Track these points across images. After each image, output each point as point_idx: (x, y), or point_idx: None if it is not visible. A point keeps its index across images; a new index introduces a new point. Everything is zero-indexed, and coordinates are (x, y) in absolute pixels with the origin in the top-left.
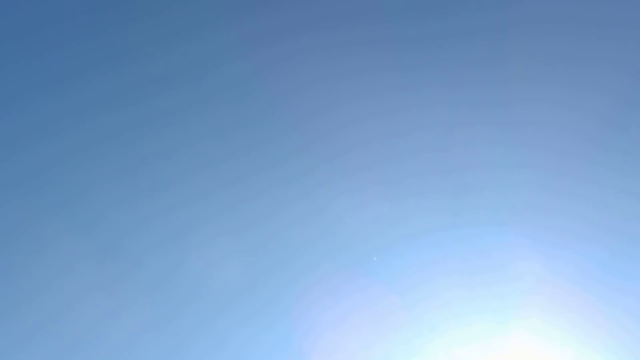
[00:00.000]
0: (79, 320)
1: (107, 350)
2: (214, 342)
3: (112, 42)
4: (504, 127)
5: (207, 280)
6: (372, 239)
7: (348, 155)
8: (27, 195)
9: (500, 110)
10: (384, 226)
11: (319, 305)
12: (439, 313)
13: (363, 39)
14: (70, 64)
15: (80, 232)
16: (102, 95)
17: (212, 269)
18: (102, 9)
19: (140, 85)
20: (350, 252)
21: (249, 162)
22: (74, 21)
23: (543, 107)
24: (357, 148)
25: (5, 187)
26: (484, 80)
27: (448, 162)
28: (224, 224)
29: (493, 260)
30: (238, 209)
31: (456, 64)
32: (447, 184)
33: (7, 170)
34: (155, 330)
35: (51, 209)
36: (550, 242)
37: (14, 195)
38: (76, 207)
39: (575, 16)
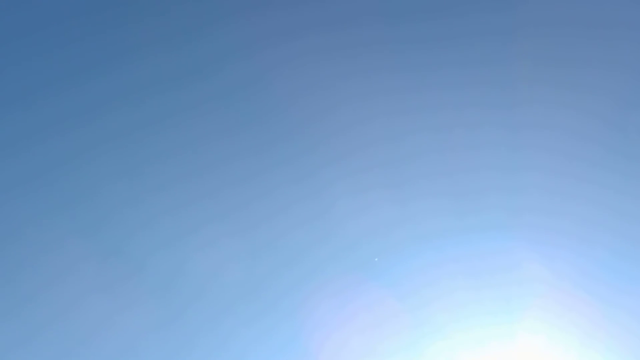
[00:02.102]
0: (83, 321)
1: (110, 351)
2: (218, 343)
3: (115, 42)
4: (509, 130)
5: (211, 281)
6: (376, 241)
7: (353, 157)
8: (31, 196)
9: (505, 112)
10: (388, 228)
11: (323, 308)
12: (444, 316)
13: (369, 41)
14: (74, 63)
15: (84, 233)
16: (106, 96)
17: (216, 271)
18: (106, 8)
19: (145, 86)
20: (355, 254)
21: (253, 163)
22: (78, 21)
23: (548, 109)
24: (362, 150)
25: (9, 187)
26: (488, 82)
27: (453, 164)
28: (227, 226)
29: (498, 263)
30: (242, 211)
31: (461, 66)
32: (451, 186)
33: (10, 170)
34: (159, 331)
35: (55, 209)
36: (555, 244)
37: (17, 196)
38: (80, 208)
39: (581, 18)
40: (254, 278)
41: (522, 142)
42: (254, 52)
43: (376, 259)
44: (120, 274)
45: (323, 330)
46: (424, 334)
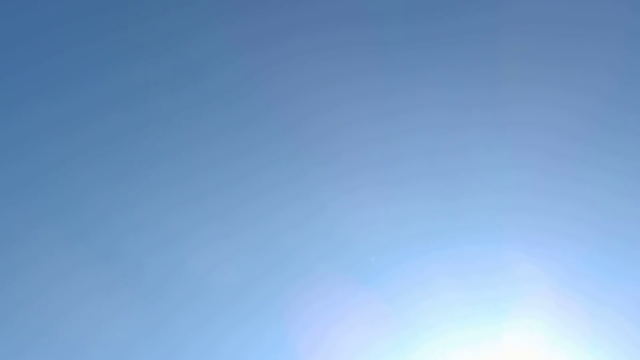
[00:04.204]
0: (77, 324)
1: (105, 353)
2: (210, 344)
3: (105, 46)
4: (499, 129)
5: (202, 283)
6: (368, 241)
7: (344, 157)
8: (24, 201)
9: (494, 111)
10: (379, 229)
11: (314, 308)
12: (435, 315)
13: (357, 42)
14: (64, 68)
15: (78, 237)
16: (97, 99)
17: (207, 272)
18: (95, 12)
19: (136, 89)
20: (347, 254)
21: (245, 164)
22: (66, 26)
23: (538, 108)
24: (353, 150)
25: (2, 192)
26: (477, 82)
27: (444, 163)
28: (218, 227)
29: (489, 262)
30: (233, 212)
31: (451, 65)
32: (441, 187)
33: (4, 175)
34: (152, 333)
35: (48, 213)
36: (545, 244)
37: (10, 201)
38: (73, 211)
39: (568, 17)
40: (246, 279)
41: (511, 141)
42: (243, 54)
43: (373, 259)
44: (112, 277)
45: (314, 331)
46: (414, 334)
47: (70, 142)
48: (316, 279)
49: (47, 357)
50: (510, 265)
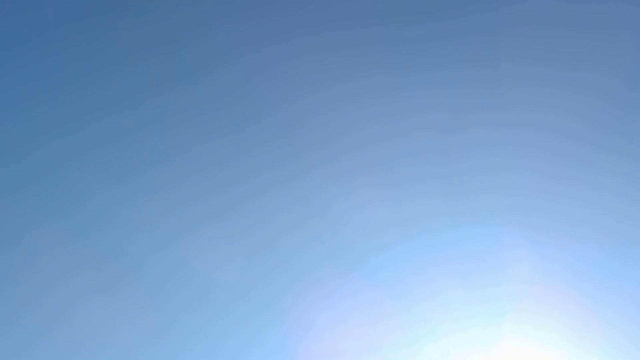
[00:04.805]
0: (79, 324)
1: (106, 354)
2: (213, 344)
3: (105, 48)
4: (500, 129)
5: (205, 283)
6: (369, 241)
7: (345, 158)
8: (25, 200)
9: (496, 112)
10: (381, 229)
11: (317, 307)
12: (437, 316)
13: (359, 42)
14: (65, 69)
15: (79, 237)
16: (98, 100)
17: (210, 272)
18: (95, 14)
19: (136, 89)
20: (349, 254)
21: (247, 164)
22: (66, 27)
23: (538, 109)
24: (354, 150)
25: (4, 192)
26: (479, 82)
27: (445, 164)
28: (221, 227)
29: (490, 262)
30: (236, 212)
31: (452, 66)
32: (443, 186)
33: (5, 175)
34: (154, 333)
35: (50, 213)
36: (547, 244)
37: (12, 201)
38: (75, 212)
39: (569, 18)
40: (249, 279)
41: (512, 142)
42: (244, 55)
43: (374, 259)
44: (114, 278)
45: (318, 330)
46: (417, 333)
47: (72, 142)
48: (318, 279)
49: (48, 358)
50: (510, 265)
